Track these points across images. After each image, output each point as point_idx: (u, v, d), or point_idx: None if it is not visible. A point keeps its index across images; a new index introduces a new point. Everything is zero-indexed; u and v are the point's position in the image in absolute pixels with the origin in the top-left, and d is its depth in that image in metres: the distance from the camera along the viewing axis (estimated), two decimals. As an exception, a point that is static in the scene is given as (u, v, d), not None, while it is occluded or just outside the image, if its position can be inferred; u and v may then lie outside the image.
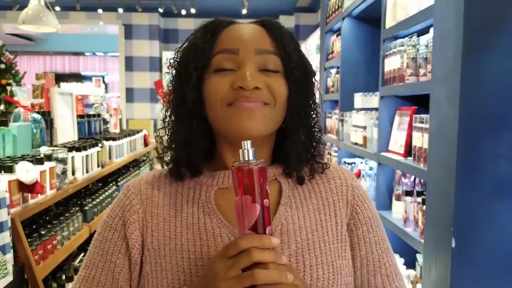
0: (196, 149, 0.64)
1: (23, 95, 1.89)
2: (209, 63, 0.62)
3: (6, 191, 1.20)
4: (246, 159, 0.53)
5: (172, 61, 0.67)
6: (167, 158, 0.68)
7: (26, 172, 1.36)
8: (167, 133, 0.67)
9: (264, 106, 0.61)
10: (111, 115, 3.01)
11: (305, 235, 0.64)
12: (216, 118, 0.62)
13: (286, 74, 0.64)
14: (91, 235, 1.98)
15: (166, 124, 0.67)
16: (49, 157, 1.57)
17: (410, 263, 1.78)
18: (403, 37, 1.69)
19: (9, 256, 1.17)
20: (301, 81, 0.65)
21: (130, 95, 7.32)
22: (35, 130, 1.81)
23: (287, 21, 7.30)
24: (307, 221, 0.65)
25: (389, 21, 1.79)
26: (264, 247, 0.51)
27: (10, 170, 1.33)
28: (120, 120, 3.35)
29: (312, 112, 0.68)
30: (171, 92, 0.66)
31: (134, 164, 3.11)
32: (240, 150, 0.53)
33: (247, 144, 0.53)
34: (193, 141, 0.64)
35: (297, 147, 0.66)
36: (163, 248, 0.62)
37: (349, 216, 0.68)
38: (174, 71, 0.67)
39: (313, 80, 0.68)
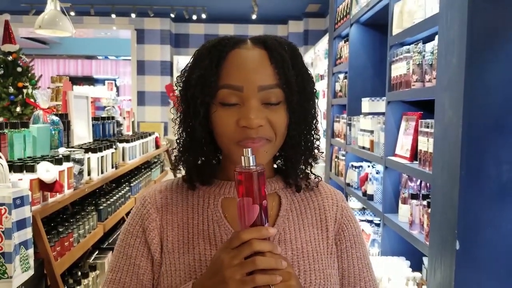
0: (205, 166, 0.73)
1: (42, 98, 1.96)
2: (215, 95, 0.67)
3: (29, 189, 1.27)
4: (247, 165, 0.59)
5: (179, 85, 0.72)
6: (180, 168, 0.75)
7: (46, 171, 1.42)
8: (179, 147, 0.73)
9: (267, 143, 0.68)
10: (124, 118, 3.09)
11: (300, 245, 0.72)
12: (225, 148, 0.70)
13: (288, 103, 0.68)
14: (105, 234, 2.04)
15: (178, 137, 0.73)
16: (67, 158, 1.63)
17: (417, 266, 1.80)
18: (409, 44, 1.73)
19: (31, 251, 1.23)
20: (302, 105, 0.70)
21: (141, 98, 7.42)
22: (53, 132, 1.88)
23: (296, 26, 7.34)
24: (302, 232, 0.73)
25: (396, 28, 1.84)
26: (262, 237, 0.58)
27: (32, 169, 1.40)
28: (133, 122, 3.42)
29: (312, 132, 0.74)
30: (179, 113, 0.72)
31: (146, 165, 3.17)
32: (241, 157, 0.59)
33: (248, 151, 0.59)
34: (202, 159, 0.72)
35: (294, 164, 0.73)
36: (177, 251, 0.70)
37: (336, 231, 0.76)
38: (181, 96, 0.72)
39: (314, 99, 0.73)
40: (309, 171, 0.76)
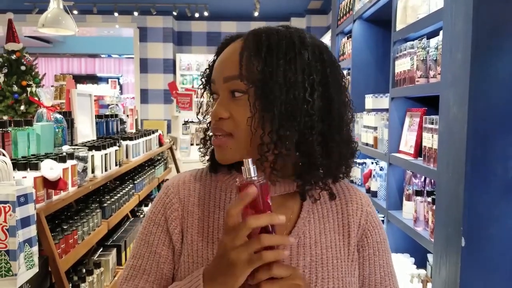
0: None
1: (46, 96, 1.96)
2: (209, 89, 0.72)
3: (33, 187, 1.27)
4: (248, 176, 0.57)
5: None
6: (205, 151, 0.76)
7: (50, 169, 1.42)
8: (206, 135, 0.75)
9: (229, 138, 0.66)
10: (127, 116, 3.09)
11: (319, 250, 0.69)
12: None
13: (254, 94, 0.63)
14: (110, 231, 2.05)
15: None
16: (71, 156, 1.64)
17: (421, 263, 1.80)
18: (413, 40, 1.71)
19: (35, 249, 1.23)
20: (267, 96, 0.62)
21: (144, 96, 7.43)
22: (57, 130, 1.89)
23: (298, 23, 7.32)
24: (322, 237, 0.70)
25: (399, 24, 1.82)
26: (266, 223, 0.57)
27: (36, 167, 1.40)
28: (136, 120, 3.43)
29: (310, 130, 0.63)
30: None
31: (150, 163, 3.18)
32: (242, 168, 0.58)
33: (248, 162, 0.57)
34: None
35: (311, 164, 0.65)
36: (196, 244, 0.69)
37: (359, 238, 0.73)
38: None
39: (305, 91, 0.62)
40: (320, 169, 0.66)
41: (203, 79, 0.74)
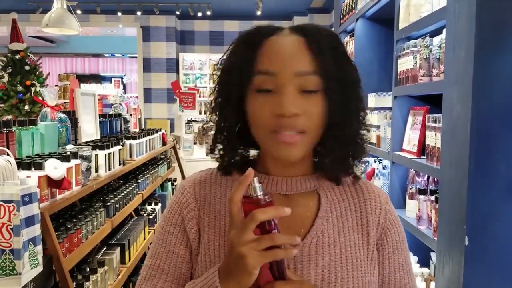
0: (239, 153, 0.72)
1: (50, 96, 1.97)
2: (250, 81, 0.65)
3: (37, 187, 1.28)
4: (254, 194, 0.57)
5: (215, 72, 0.72)
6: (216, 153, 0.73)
7: (54, 168, 1.43)
8: (216, 135, 0.71)
9: (302, 136, 0.63)
10: (131, 115, 3.10)
11: (338, 250, 0.68)
12: (260, 139, 0.67)
13: (327, 91, 0.64)
14: (113, 230, 2.06)
15: (214, 125, 0.72)
16: (75, 155, 1.65)
17: (424, 261, 1.79)
18: (416, 38, 1.71)
19: (39, 248, 1.24)
20: (344, 94, 0.65)
21: (147, 95, 7.46)
22: (61, 129, 1.90)
23: (300, 22, 7.23)
24: (341, 236, 0.69)
25: (402, 22, 1.82)
26: (271, 218, 0.56)
27: (40, 166, 1.41)
28: (139, 119, 3.44)
29: (356, 122, 0.68)
30: (215, 99, 0.71)
31: (153, 162, 3.19)
32: (248, 186, 0.57)
33: (255, 180, 0.56)
34: (236, 148, 0.71)
35: (336, 157, 0.68)
36: (213, 243, 0.69)
37: (378, 236, 0.72)
38: (217, 83, 0.71)
39: (358, 89, 0.68)
40: (353, 165, 0.70)
41: (225, 73, 0.68)
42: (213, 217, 0.71)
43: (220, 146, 0.71)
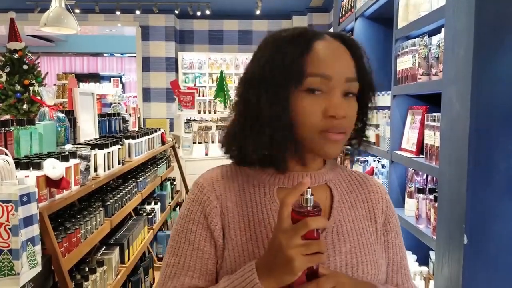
0: (262, 151, 0.72)
1: (48, 95, 1.97)
2: (301, 82, 0.66)
3: (35, 186, 1.27)
4: (305, 204, 0.61)
5: (247, 72, 0.73)
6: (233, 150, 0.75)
7: (53, 168, 1.43)
8: (242, 132, 0.72)
9: (343, 136, 0.71)
10: (130, 114, 3.10)
11: (355, 236, 0.75)
12: (305, 136, 0.69)
13: (361, 96, 0.73)
14: (112, 230, 2.06)
15: (241, 123, 0.72)
16: (73, 155, 1.64)
17: (423, 260, 1.79)
18: (415, 37, 1.71)
19: (38, 247, 1.24)
20: (370, 98, 0.76)
21: (146, 94, 7.45)
22: (59, 129, 1.89)
23: (300, 21, 7.31)
24: (355, 224, 0.76)
25: (401, 21, 1.81)
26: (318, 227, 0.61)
27: (38, 166, 1.40)
28: (139, 119, 3.44)
29: (366, 122, 0.79)
30: (242, 96, 0.72)
31: (152, 161, 3.18)
32: (300, 196, 0.62)
33: (308, 192, 0.61)
34: (286, 142, 0.70)
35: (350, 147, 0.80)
36: (240, 238, 0.72)
37: (382, 223, 0.80)
38: (250, 81, 0.71)
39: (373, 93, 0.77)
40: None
41: (289, 68, 0.67)
42: (236, 213, 0.73)
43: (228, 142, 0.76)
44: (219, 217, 0.73)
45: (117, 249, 2.07)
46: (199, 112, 5.25)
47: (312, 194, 0.62)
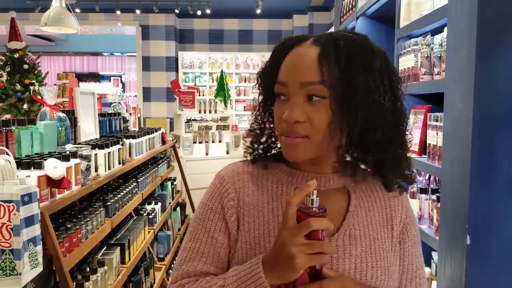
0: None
1: (48, 95, 1.96)
2: (272, 88, 0.74)
3: (36, 186, 1.27)
4: (310, 205, 0.63)
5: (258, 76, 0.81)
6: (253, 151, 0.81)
7: (54, 168, 1.43)
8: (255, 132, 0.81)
9: (305, 140, 0.70)
10: (130, 114, 3.09)
11: (368, 242, 0.75)
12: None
13: (333, 99, 0.67)
14: (113, 230, 2.05)
15: (257, 125, 0.81)
16: (74, 154, 1.64)
17: (425, 261, 1.78)
18: (417, 36, 1.70)
19: (39, 247, 1.23)
20: (350, 101, 0.67)
21: (147, 94, 7.44)
22: (60, 128, 1.89)
23: (301, 20, 7.30)
24: (370, 229, 0.76)
25: (403, 21, 1.81)
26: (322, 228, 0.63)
27: (39, 166, 1.40)
28: (139, 118, 3.43)
29: (383, 131, 0.70)
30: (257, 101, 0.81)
31: (153, 161, 3.18)
32: (306, 196, 0.63)
33: (314, 193, 0.62)
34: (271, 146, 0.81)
35: (360, 159, 0.74)
36: (253, 232, 0.75)
37: (400, 231, 0.79)
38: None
39: (376, 94, 0.68)
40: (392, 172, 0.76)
41: (260, 79, 0.78)
42: (252, 207, 0.76)
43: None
44: (235, 209, 0.76)
45: (118, 249, 2.06)
46: (200, 112, 5.24)
47: (317, 196, 0.62)
